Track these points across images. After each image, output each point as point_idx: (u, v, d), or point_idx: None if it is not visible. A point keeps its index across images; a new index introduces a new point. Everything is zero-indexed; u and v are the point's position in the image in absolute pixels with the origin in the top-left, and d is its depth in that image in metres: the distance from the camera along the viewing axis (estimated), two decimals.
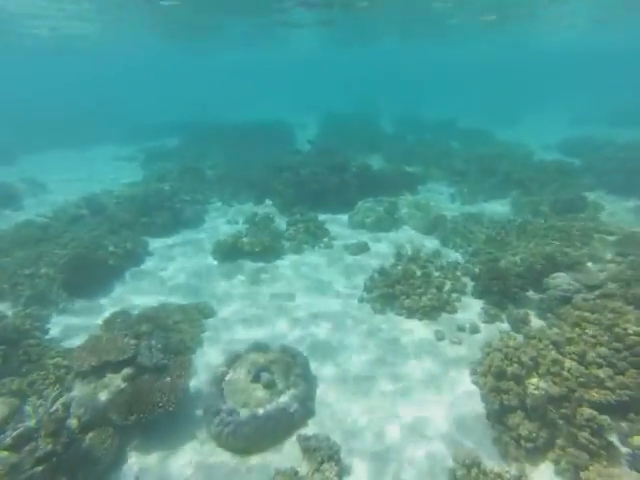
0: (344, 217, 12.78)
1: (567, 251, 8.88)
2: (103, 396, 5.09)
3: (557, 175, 15.47)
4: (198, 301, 8.48)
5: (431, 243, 11.01)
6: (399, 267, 9.50)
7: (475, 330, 7.29)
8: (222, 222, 12.73)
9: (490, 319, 7.54)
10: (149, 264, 10.14)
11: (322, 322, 7.75)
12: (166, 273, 9.72)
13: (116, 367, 5.49)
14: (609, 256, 8.91)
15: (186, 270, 9.87)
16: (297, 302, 8.45)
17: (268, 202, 14.15)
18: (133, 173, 17.98)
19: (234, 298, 8.66)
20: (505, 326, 7.34)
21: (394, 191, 14.68)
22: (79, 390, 5.21)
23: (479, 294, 8.26)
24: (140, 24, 24.61)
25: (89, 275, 8.66)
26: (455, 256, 10.18)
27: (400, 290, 8.28)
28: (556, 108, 36.78)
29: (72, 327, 7.60)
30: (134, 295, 8.74)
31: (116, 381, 5.30)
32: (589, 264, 8.60)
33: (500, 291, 7.80)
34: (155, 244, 11.23)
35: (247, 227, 11.63)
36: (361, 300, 8.53)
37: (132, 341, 6.01)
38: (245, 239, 10.55)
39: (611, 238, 9.81)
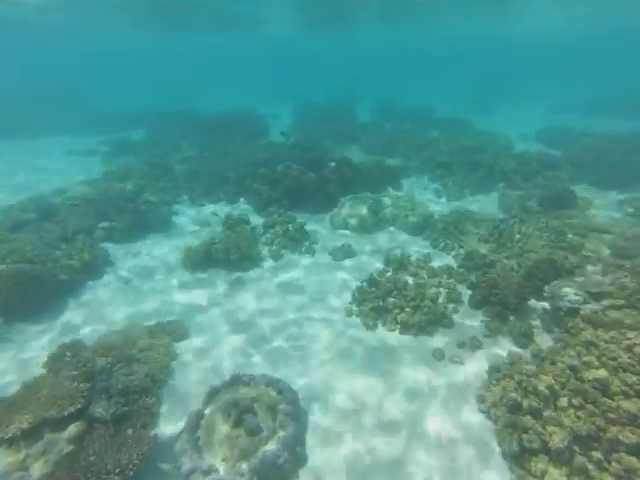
0: (325, 217, 11.92)
1: (565, 254, 8.37)
2: (37, 470, 4.07)
3: (539, 167, 15.11)
4: (168, 320, 7.48)
5: (420, 245, 10.32)
6: (388, 274, 8.78)
7: (476, 346, 6.65)
8: (192, 225, 11.61)
9: (491, 333, 6.91)
10: (109, 277, 8.99)
11: (310, 343, 6.91)
12: (129, 287, 8.61)
13: (59, 424, 4.48)
14: (609, 258, 8.45)
15: (152, 283, 8.79)
16: (280, 319, 7.58)
17: (242, 201, 13.09)
18: (92, 169, 16.41)
19: (210, 316, 7.70)
20: (508, 342, 6.72)
21: (376, 186, 13.92)
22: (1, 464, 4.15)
23: (477, 304, 7.62)
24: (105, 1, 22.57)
25: (33, 294, 7.47)
26: (447, 260, 9.52)
27: (392, 303, 7.53)
28: (531, 97, 36.86)
29: (7, 361, 6.45)
30: (91, 316, 7.62)
31: (58, 444, 4.29)
32: (589, 267, 8.10)
33: (500, 302, 7.17)
34: (117, 252, 10.05)
35: (220, 230, 10.58)
36: (349, 314, 7.74)
37: (83, 385, 5.00)
38: (218, 245, 9.53)
39: (607, 237, 9.39)
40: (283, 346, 6.83)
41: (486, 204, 13.17)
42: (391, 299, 7.64)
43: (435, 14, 30.20)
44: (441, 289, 8.20)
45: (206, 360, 6.53)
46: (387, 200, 12.16)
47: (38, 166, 17.27)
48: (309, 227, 11.11)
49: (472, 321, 7.29)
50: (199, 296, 8.28)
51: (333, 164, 13.57)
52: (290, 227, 10.40)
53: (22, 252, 8.58)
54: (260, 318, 7.58)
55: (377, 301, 7.73)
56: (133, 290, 8.50)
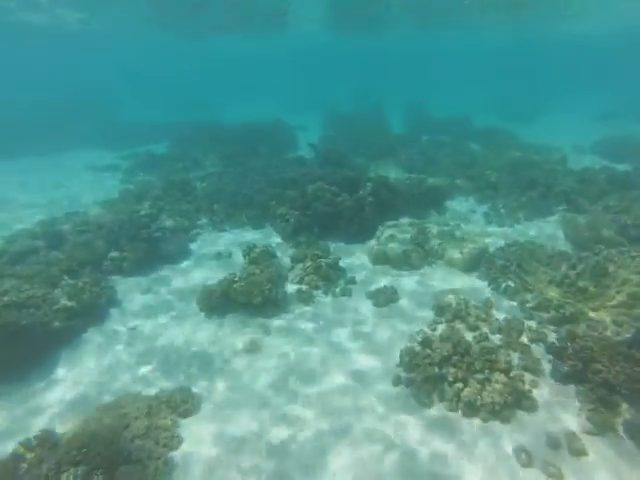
0: (361, 247, 10.42)
1: None
2: None
3: (607, 185, 13.12)
4: (175, 386, 6.13)
5: (476, 286, 8.65)
6: (442, 326, 7.20)
7: (578, 449, 4.93)
8: (212, 255, 10.34)
9: (597, 428, 5.18)
10: (112, 322, 7.74)
11: (344, 436, 5.39)
12: (132, 337, 7.33)
13: None
14: None
15: (160, 330, 7.49)
16: (311, 389, 6.09)
17: (268, 227, 11.74)
18: (110, 187, 15.54)
19: (226, 379, 6.30)
20: (629, 445, 4.97)
21: (418, 210, 12.35)
22: None
23: (565, 379, 5.91)
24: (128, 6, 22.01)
25: (17, 350, 6.29)
26: (511, 307, 7.82)
27: (454, 373, 5.92)
28: (576, 103, 34.33)
29: None
30: (79, 380, 6.34)
31: None
32: None
33: (605, 382, 5.44)
34: (125, 288, 8.86)
35: (242, 264, 9.23)
36: (397, 383, 6.18)
37: None
38: (239, 285, 8.16)
39: None
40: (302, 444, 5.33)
41: (546, 232, 11.35)
42: (451, 369, 6.02)
43: (479, 14, 28.35)
44: (511, 351, 6.53)
45: (216, 448, 5.10)
46: (432, 228, 10.54)
47: (56, 184, 16.55)
48: (344, 260, 9.63)
49: (563, 405, 5.57)
50: (213, 354, 6.90)
51: (370, 185, 12.07)
52: (323, 263, 8.93)
53: (16, 292, 7.45)
54: (281, 385, 6.11)
55: (432, 368, 6.14)
56: (135, 341, 7.20)
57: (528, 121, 28.97)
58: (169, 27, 30.10)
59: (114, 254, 9.57)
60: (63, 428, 5.23)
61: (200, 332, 7.43)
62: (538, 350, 6.52)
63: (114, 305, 8.25)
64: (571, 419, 5.32)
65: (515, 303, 7.93)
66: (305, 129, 25.43)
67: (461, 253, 9.39)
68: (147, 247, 9.86)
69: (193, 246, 10.83)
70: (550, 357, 6.23)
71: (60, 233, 10.40)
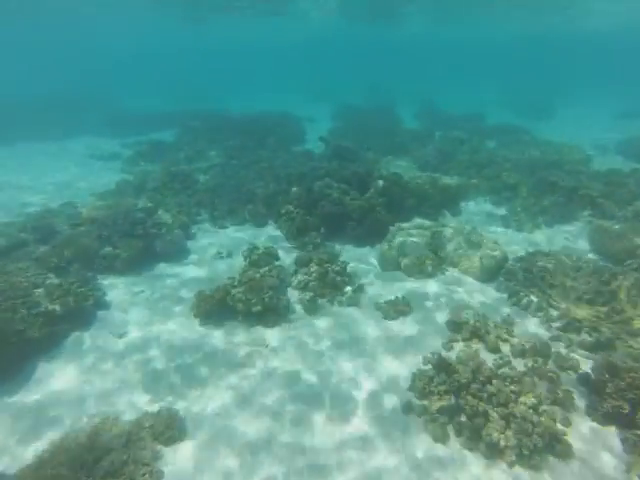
0: (371, 251, 9.72)
1: None
2: None
3: (637, 189, 12.26)
4: (160, 406, 5.51)
5: (494, 299, 7.93)
6: (458, 345, 6.51)
7: None
8: (210, 254, 9.69)
9: None
10: (99, 329, 7.12)
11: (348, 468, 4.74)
12: (120, 345, 6.71)
13: None
14: None
15: (151, 338, 6.87)
16: (317, 416, 5.44)
17: (272, 225, 11.05)
18: (110, 176, 14.90)
19: (215, 399, 5.67)
20: None
21: (431, 211, 11.61)
22: None
23: (604, 418, 5.19)
24: None
25: None
26: (534, 325, 7.10)
27: (472, 407, 5.23)
28: (594, 100, 33.01)
29: None
30: (58, 396, 5.74)
31: None
32: None
33: None
34: (116, 289, 8.25)
35: (242, 267, 8.56)
36: (407, 410, 5.51)
37: None
38: (238, 290, 7.51)
39: None
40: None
41: (570, 239, 10.56)
42: (470, 399, 5.33)
43: (495, 7, 27.19)
44: (537, 379, 5.82)
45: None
46: (447, 231, 9.79)
47: (54, 172, 15.94)
48: (352, 264, 8.94)
49: (604, 453, 4.86)
50: (205, 368, 6.26)
51: (381, 182, 11.32)
52: (329, 268, 8.23)
53: None
54: (277, 408, 5.47)
55: (448, 397, 5.47)
56: (123, 350, 6.58)
57: (545, 117, 27.88)
58: (172, 9, 29.11)
59: (106, 251, 8.94)
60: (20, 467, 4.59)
61: (193, 342, 6.79)
62: (569, 379, 5.81)
63: (103, 308, 7.64)
64: (610, 469, 4.62)
65: (539, 321, 7.20)
66: (314, 121, 24.64)
67: (478, 261, 8.65)
68: (142, 244, 9.23)
69: (191, 244, 10.18)
70: (583, 389, 5.51)
71: (51, 226, 9.78)
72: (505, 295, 8.03)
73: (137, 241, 9.23)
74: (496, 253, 8.81)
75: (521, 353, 6.32)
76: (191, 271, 9.00)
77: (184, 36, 47.67)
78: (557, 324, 6.97)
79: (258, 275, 7.89)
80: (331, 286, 8.09)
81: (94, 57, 59.00)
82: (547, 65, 53.70)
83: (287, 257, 9.31)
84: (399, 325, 7.19)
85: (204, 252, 9.80)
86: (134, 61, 56.96)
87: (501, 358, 6.14)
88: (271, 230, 10.85)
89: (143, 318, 7.38)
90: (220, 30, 40.92)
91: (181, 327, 7.17)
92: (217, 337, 6.92)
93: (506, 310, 7.52)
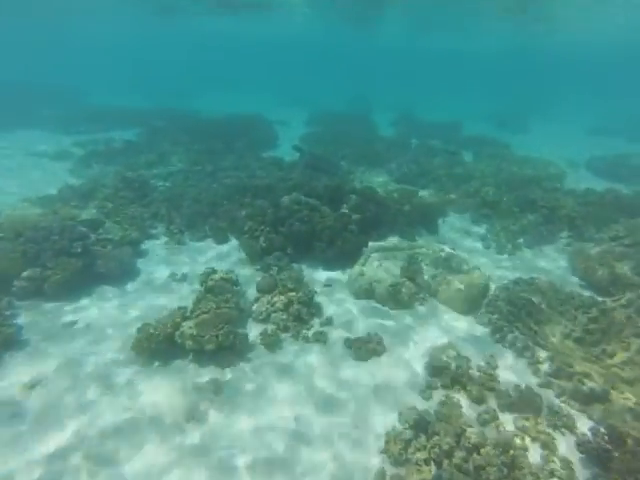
0: (342, 275, 8.82)
1: None
2: None
3: (615, 211, 11.95)
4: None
5: (476, 334, 7.21)
6: (437, 393, 5.72)
7: None
8: (162, 277, 8.55)
9: None
10: (8, 376, 5.86)
11: None
12: (33, 399, 5.51)
13: None
14: None
15: (76, 387, 5.70)
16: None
17: (234, 242, 10.00)
18: (54, 179, 13.40)
19: (153, 468, 4.60)
20: None
21: (408, 229, 10.85)
22: None
23: None
24: None
25: None
26: (523, 369, 6.39)
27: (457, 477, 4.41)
28: (566, 115, 33.57)
29: None
30: None
31: None
32: None
33: None
34: (41, 317, 7.02)
35: (197, 294, 7.49)
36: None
37: None
38: (189, 326, 6.46)
39: None
40: None
41: (550, 262, 10.07)
42: (455, 472, 4.51)
43: (476, 17, 27.08)
44: (529, 442, 5.08)
45: None
46: (425, 255, 9.04)
47: None
48: (320, 293, 8.03)
49: None
50: (142, 425, 5.17)
51: (354, 197, 10.51)
52: (294, 298, 7.29)
53: None
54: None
55: (428, 469, 4.64)
56: (36, 408, 5.40)
57: (519, 131, 27.98)
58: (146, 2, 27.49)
59: (29, 273, 7.65)
60: None
61: (129, 390, 5.68)
62: (565, 441, 5.08)
63: (14, 348, 6.36)
64: None
65: (526, 363, 6.50)
66: (287, 125, 23.69)
67: (459, 291, 7.92)
68: (80, 264, 7.99)
69: (141, 263, 8.99)
70: (584, 457, 4.79)
71: None
72: (488, 329, 7.31)
73: (74, 260, 7.99)
74: (478, 281, 8.11)
75: (509, 406, 5.56)
76: (138, 297, 7.84)
77: (157, 31, 45.73)
78: (546, 367, 6.29)
79: (213, 305, 6.86)
80: (296, 318, 7.15)
81: (62, 49, 55.85)
82: (524, 78, 54.80)
83: (249, 280, 8.31)
84: (371, 368, 6.32)
85: (155, 273, 8.65)
86: (104, 55, 54.22)
87: (487, 412, 5.37)
88: (233, 248, 9.79)
89: (68, 360, 6.18)
90: (196, 24, 39.30)
91: (117, 372, 6.03)
92: (158, 383, 5.83)
93: (490, 349, 6.79)
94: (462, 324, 7.48)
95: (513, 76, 56.51)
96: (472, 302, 7.91)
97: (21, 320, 6.94)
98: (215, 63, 58.16)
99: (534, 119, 30.62)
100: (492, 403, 5.65)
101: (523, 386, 5.79)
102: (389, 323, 7.41)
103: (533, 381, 6.10)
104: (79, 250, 8.08)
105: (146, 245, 9.65)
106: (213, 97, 33.24)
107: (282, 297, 7.36)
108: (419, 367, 6.34)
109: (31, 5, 28.61)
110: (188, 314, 6.86)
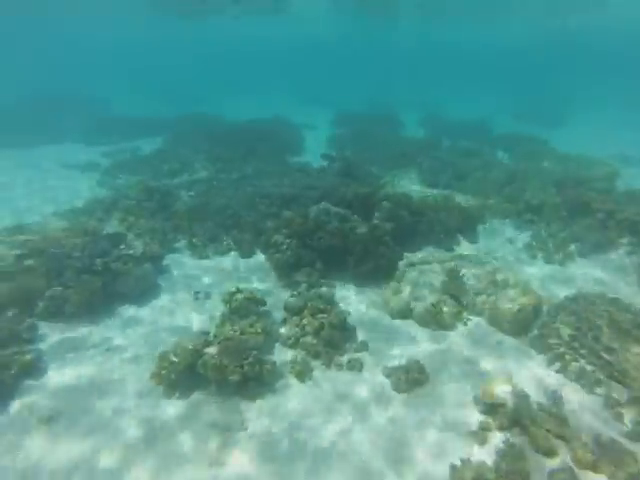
0: (377, 293, 8.09)
1: None
2: None
3: None
4: None
5: (531, 363, 6.33)
6: (495, 435, 4.92)
7: None
8: (183, 295, 8.07)
9: None
10: (21, 408, 5.47)
11: None
12: (47, 432, 5.08)
13: None
14: None
15: (93, 424, 5.25)
16: None
17: (259, 255, 9.45)
18: (83, 190, 13.31)
19: None
20: None
21: (445, 238, 10.02)
22: None
23: None
24: None
25: None
26: (597, 410, 5.47)
27: None
28: (606, 105, 31.44)
29: None
30: None
31: None
32: None
33: None
34: (60, 342, 6.65)
35: (220, 317, 6.98)
36: None
37: None
38: (212, 353, 5.93)
39: None
40: None
41: (612, 274, 8.98)
42: None
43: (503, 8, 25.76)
44: None
45: None
46: (467, 268, 8.21)
47: (14, 184, 14.23)
48: (354, 309, 7.36)
49: None
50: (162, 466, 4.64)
51: (387, 204, 9.77)
52: (325, 321, 6.63)
53: None
54: None
55: None
56: (43, 447, 4.96)
57: (556, 125, 26.28)
58: (165, 5, 27.52)
59: (53, 292, 7.33)
60: None
61: (147, 424, 5.17)
62: None
63: (33, 376, 5.98)
64: None
65: (601, 403, 5.57)
66: (311, 127, 23.08)
67: (507, 310, 7.05)
68: (99, 283, 7.61)
69: (163, 279, 8.56)
70: None
71: None
72: (543, 355, 6.43)
73: (95, 279, 7.62)
74: (527, 299, 7.21)
75: (591, 465, 4.66)
76: (159, 317, 7.39)
77: (179, 36, 46.19)
78: (626, 411, 5.35)
79: (237, 331, 6.31)
80: (327, 343, 6.49)
81: (82, 57, 57.30)
82: (556, 70, 52.20)
83: (276, 299, 7.72)
84: (412, 400, 5.58)
85: (178, 290, 8.19)
86: (125, 62, 55.30)
87: (562, 470, 4.52)
88: (259, 262, 9.25)
89: (84, 392, 5.75)
90: (217, 30, 39.42)
91: (139, 403, 5.55)
92: (180, 416, 5.30)
93: (550, 381, 5.92)
94: (513, 349, 6.63)
95: (545, 68, 53.93)
96: (523, 324, 7.04)
97: (42, 345, 6.58)
98: (233, 66, 58.31)
99: (571, 111, 28.75)
100: (564, 455, 4.78)
101: (602, 435, 4.90)
102: (431, 348, 6.64)
103: (614, 427, 5.17)
104: (100, 267, 7.71)
105: (168, 260, 9.23)
106: (234, 101, 33.03)
107: (312, 319, 6.71)
108: (470, 402, 5.55)
109: (48, 12, 28.90)
110: (211, 338, 6.34)
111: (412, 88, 39.27)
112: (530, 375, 6.04)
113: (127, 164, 15.67)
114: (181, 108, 26.59)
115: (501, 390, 5.47)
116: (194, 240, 9.82)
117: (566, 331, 6.49)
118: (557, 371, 6.12)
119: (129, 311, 7.55)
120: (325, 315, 6.77)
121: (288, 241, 8.61)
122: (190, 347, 6.04)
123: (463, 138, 20.12)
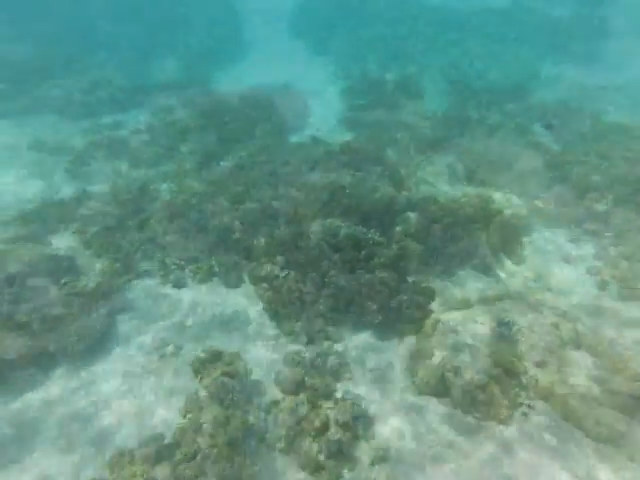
0: (399, 350, 6.07)
1: None
2: None
3: None
4: None
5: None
6: None
7: None
8: (147, 350, 6.13)
9: None
10: None
11: None
12: None
13: None
14: None
15: None
16: None
17: (249, 286, 7.37)
18: (46, 184, 11.14)
19: None
20: None
21: (484, 258, 7.84)
22: None
23: None
24: None
25: None
26: None
27: None
28: None
29: None
30: None
31: None
32: None
33: None
34: None
35: (185, 403, 5.08)
36: None
37: None
38: (181, 456, 4.06)
39: None
40: None
41: None
42: None
43: None
44: None
45: None
46: (519, 314, 6.12)
47: None
48: (369, 386, 5.40)
49: None
50: None
51: (413, 217, 7.59)
52: (331, 417, 4.69)
53: None
54: None
55: None
56: None
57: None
58: None
59: None
60: None
61: None
62: None
63: None
64: None
65: None
66: (318, 95, 20.06)
67: (586, 388, 5.02)
68: (30, 343, 5.71)
69: (121, 323, 6.61)
70: None
71: None
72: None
73: (21, 337, 5.72)
74: (605, 358, 5.15)
75: None
76: (104, 388, 5.51)
77: None
78: None
79: (221, 410, 4.42)
80: (334, 452, 4.57)
81: None
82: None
83: (267, 363, 5.77)
84: None
85: (138, 343, 6.26)
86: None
87: None
88: (248, 292, 7.19)
89: None
90: None
91: None
92: None
93: None
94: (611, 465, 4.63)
95: None
96: (622, 416, 5.00)
97: None
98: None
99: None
100: None
101: None
102: (479, 454, 4.69)
103: None
104: (24, 319, 5.76)
105: (132, 292, 7.22)
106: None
107: (313, 412, 4.76)
108: None
109: None
110: (165, 447, 4.47)
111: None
112: None
113: (102, 146, 13.24)
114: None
115: None
116: (167, 260, 7.76)
117: None
118: None
119: (63, 380, 5.63)
120: (330, 405, 4.84)
121: (284, 274, 6.53)
122: (131, 466, 4.18)
123: (499, 111, 17.03)
